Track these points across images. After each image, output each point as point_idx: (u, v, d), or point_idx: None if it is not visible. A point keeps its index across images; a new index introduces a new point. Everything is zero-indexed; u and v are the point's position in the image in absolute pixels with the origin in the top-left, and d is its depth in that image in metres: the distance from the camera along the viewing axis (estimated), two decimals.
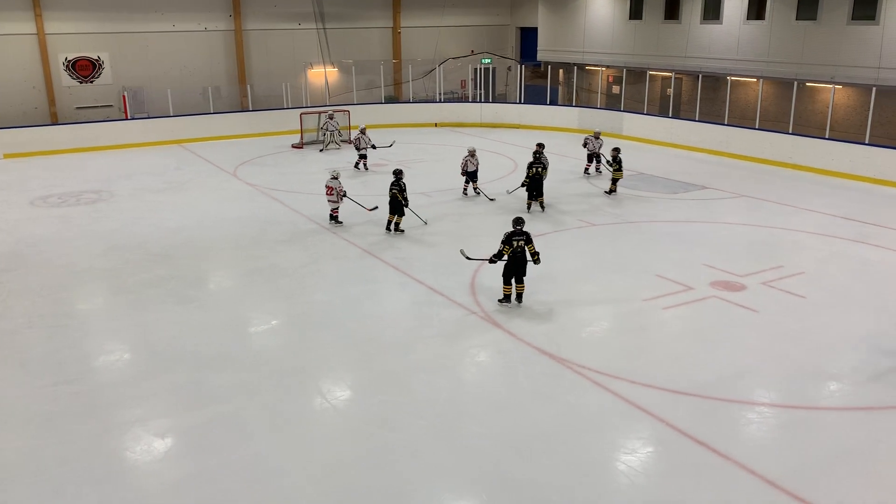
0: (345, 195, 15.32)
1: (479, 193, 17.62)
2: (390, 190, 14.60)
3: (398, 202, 14.59)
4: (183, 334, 10.45)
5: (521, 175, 17.12)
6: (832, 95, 20.84)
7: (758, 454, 7.44)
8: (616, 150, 17.79)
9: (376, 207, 15.50)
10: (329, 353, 9.93)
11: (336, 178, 15.19)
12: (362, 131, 21.08)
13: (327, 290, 12.13)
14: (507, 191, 17.88)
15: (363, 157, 21.00)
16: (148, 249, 14.14)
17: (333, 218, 15.50)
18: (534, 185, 16.22)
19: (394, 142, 22.13)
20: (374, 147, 21.03)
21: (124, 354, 10.03)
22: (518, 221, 10.97)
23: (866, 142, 19.59)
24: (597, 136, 20.04)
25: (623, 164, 17.73)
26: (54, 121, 25.92)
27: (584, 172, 20.04)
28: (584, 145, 19.97)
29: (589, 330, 10.59)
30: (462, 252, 11.68)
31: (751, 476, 7.09)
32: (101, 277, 12.86)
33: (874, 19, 20.17)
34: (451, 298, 11.52)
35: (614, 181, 17.81)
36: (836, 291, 11.78)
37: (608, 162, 17.85)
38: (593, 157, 19.89)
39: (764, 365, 9.38)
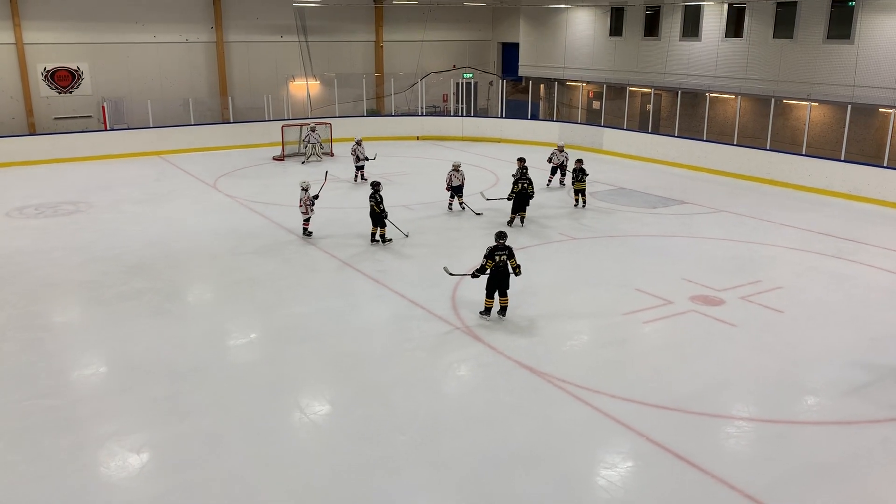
0: (316, 199, 15.22)
1: (464, 208, 17.64)
2: (369, 202, 14.64)
3: (376, 214, 14.62)
4: (160, 348, 10.33)
5: (504, 187, 17.18)
6: (808, 112, 21.14)
7: (737, 468, 7.47)
8: (579, 162, 18.08)
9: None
10: (308, 366, 9.86)
11: (305, 190, 15.14)
12: (358, 143, 21.06)
13: (306, 302, 12.05)
14: (484, 195, 17.94)
15: (360, 168, 21.02)
16: (126, 261, 13.99)
17: (303, 229, 15.46)
18: (520, 199, 16.29)
19: (376, 154, 22.13)
20: (367, 159, 21.03)
21: (100, 368, 9.90)
22: (500, 236, 10.99)
23: (842, 158, 19.85)
24: (560, 149, 20.52)
25: (585, 175, 17.92)
26: (32, 131, 25.61)
27: (547, 184, 20.37)
28: (550, 160, 20.44)
29: (569, 344, 10.61)
30: (445, 269, 11.68)
31: (730, 490, 7.11)
32: (78, 290, 12.69)
33: (849, 38, 20.53)
34: (431, 312, 11.50)
35: (577, 192, 17.98)
36: (813, 306, 11.90)
37: (572, 173, 18.08)
38: (557, 169, 20.39)
39: (742, 379, 9.44)
